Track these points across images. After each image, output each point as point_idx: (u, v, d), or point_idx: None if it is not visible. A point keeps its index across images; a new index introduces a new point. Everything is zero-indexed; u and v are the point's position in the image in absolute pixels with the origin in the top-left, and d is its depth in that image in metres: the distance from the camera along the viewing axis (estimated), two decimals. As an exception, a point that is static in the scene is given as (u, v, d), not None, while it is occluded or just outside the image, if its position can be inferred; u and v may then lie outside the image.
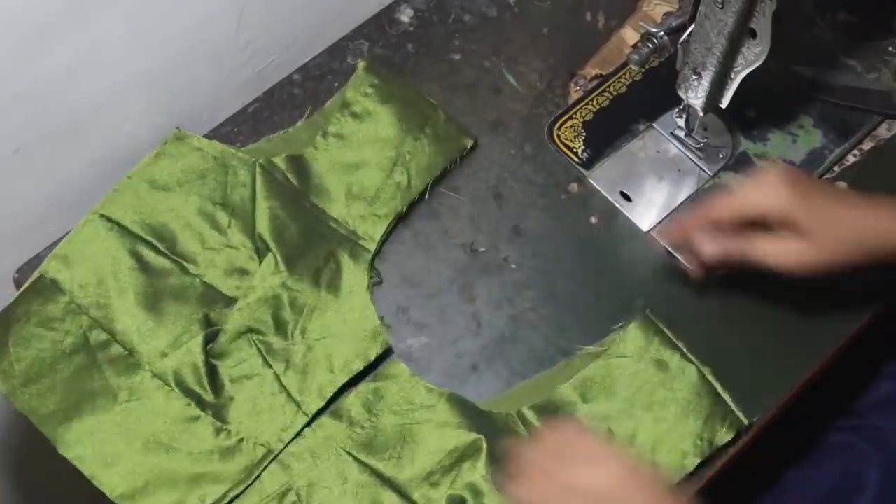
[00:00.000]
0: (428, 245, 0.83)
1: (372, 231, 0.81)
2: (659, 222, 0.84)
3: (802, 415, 0.80)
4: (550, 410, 0.74)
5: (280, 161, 0.82)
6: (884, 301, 0.82)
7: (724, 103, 0.81)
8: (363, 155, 0.83)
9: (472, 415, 0.74)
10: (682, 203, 0.85)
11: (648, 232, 0.84)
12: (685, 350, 0.77)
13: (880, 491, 0.85)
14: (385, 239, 0.81)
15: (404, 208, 0.82)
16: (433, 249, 0.83)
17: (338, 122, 0.84)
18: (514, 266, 0.82)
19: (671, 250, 0.83)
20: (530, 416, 0.74)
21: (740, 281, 0.81)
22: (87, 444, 0.73)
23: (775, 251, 0.72)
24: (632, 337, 0.77)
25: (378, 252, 0.81)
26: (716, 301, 0.81)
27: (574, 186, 0.86)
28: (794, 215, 0.70)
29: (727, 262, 0.74)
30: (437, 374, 0.78)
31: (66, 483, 0.77)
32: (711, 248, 0.74)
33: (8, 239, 0.81)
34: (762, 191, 0.71)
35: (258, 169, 0.80)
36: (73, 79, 0.74)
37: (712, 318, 0.81)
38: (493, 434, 0.73)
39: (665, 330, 0.78)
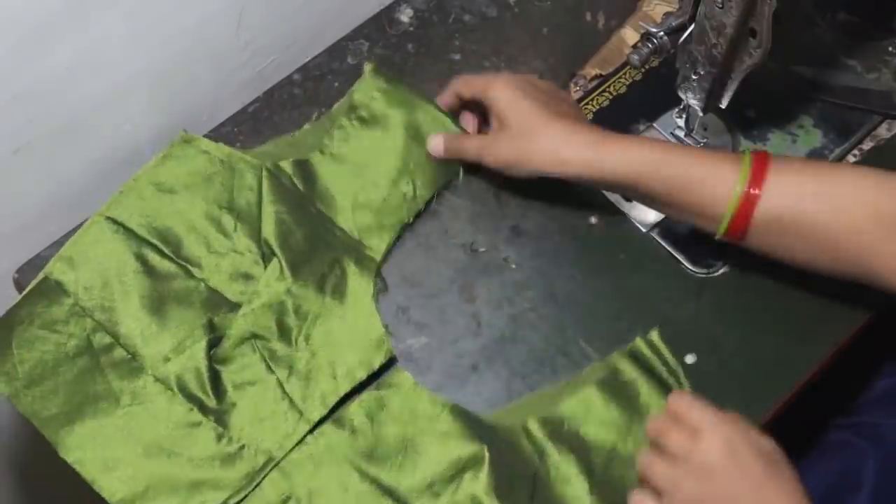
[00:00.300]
0: (428, 245, 0.83)
1: (378, 241, 0.81)
2: (659, 222, 0.84)
3: (800, 413, 0.80)
4: (555, 423, 0.74)
5: (287, 165, 0.81)
6: (883, 300, 0.81)
7: (724, 103, 0.81)
8: (369, 162, 0.83)
9: (476, 426, 0.74)
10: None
11: (648, 232, 0.84)
12: (683, 376, 0.77)
13: (878, 488, 0.85)
14: (390, 248, 0.81)
15: (411, 219, 0.82)
16: (433, 249, 0.83)
17: (344, 127, 0.84)
18: (514, 266, 0.82)
19: (671, 250, 0.83)
20: (535, 428, 0.74)
21: (740, 280, 0.81)
22: (88, 448, 0.72)
23: (484, 143, 0.80)
24: (634, 357, 0.77)
25: (384, 261, 0.81)
26: (715, 301, 0.81)
27: (574, 186, 0.86)
28: (506, 115, 0.77)
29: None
30: (437, 374, 0.78)
31: (69, 486, 0.77)
32: (437, 141, 0.82)
33: (8, 239, 0.81)
34: (492, 83, 0.79)
35: (265, 173, 0.80)
36: (73, 79, 0.74)
37: (712, 317, 0.81)
38: (496, 445, 0.72)
39: (666, 354, 0.78)
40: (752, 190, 0.70)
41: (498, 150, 0.79)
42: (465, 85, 0.82)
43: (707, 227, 0.74)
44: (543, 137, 0.76)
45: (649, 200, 0.76)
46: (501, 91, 0.78)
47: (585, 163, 0.75)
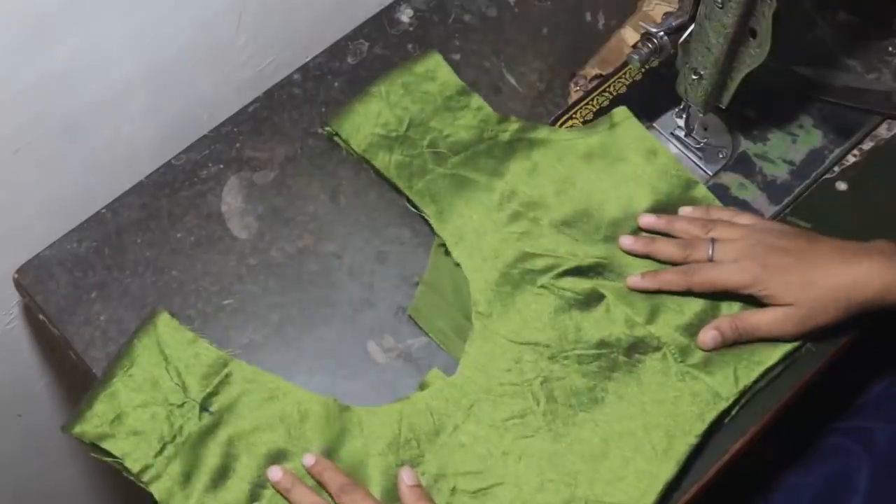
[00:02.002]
0: (428, 245, 0.83)
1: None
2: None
3: (794, 417, 0.80)
4: None
5: None
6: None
7: (724, 103, 0.81)
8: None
9: None
10: (682, 203, 0.85)
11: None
12: None
13: (871, 492, 0.85)
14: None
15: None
16: (429, 245, 0.83)
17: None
18: (514, 266, 0.82)
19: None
20: None
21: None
22: None
23: (764, 319, 0.76)
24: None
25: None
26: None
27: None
28: (770, 290, 0.75)
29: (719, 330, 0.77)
30: (437, 374, 0.78)
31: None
32: (714, 333, 0.76)
33: (8, 239, 0.81)
34: (736, 269, 0.75)
35: None
36: (73, 79, 0.74)
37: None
38: None
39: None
40: None
41: (794, 323, 0.75)
42: (710, 280, 0.77)
43: None
44: (841, 298, 0.74)
45: None
46: (753, 277, 0.75)
47: (876, 300, 0.74)
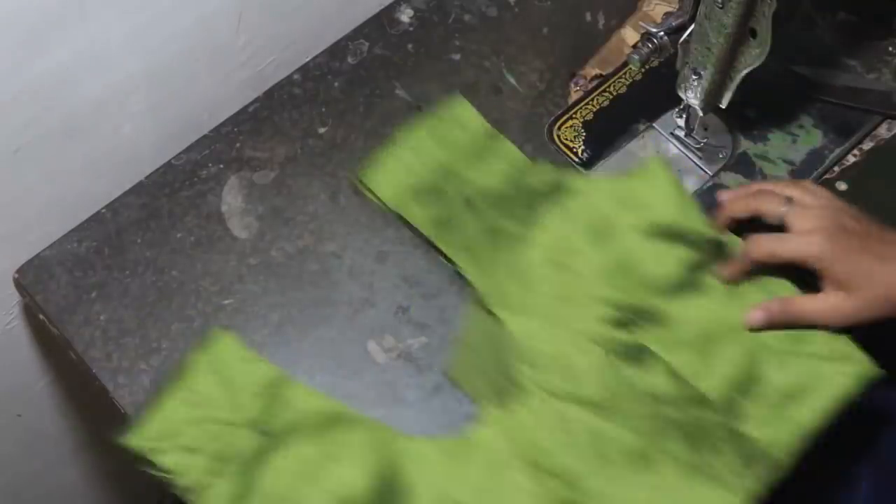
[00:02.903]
0: (428, 245, 0.83)
1: None
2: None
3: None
4: None
5: None
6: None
7: (724, 103, 0.81)
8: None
9: None
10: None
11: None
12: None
13: (872, 501, 0.85)
14: None
15: None
16: (433, 249, 0.83)
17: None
18: (514, 266, 0.82)
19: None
20: None
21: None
22: None
23: (814, 307, 0.73)
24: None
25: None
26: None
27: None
28: (831, 270, 0.72)
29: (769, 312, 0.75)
30: (438, 374, 0.78)
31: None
32: (760, 314, 0.75)
33: (8, 239, 0.81)
34: (804, 241, 0.73)
35: None
36: (73, 79, 0.74)
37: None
38: None
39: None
40: None
41: (844, 314, 0.73)
42: (769, 250, 0.75)
43: None
44: (882, 306, 0.72)
45: None
46: (821, 251, 0.73)
47: None
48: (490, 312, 0.78)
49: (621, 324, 0.76)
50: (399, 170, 0.82)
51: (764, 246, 0.74)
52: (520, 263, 0.79)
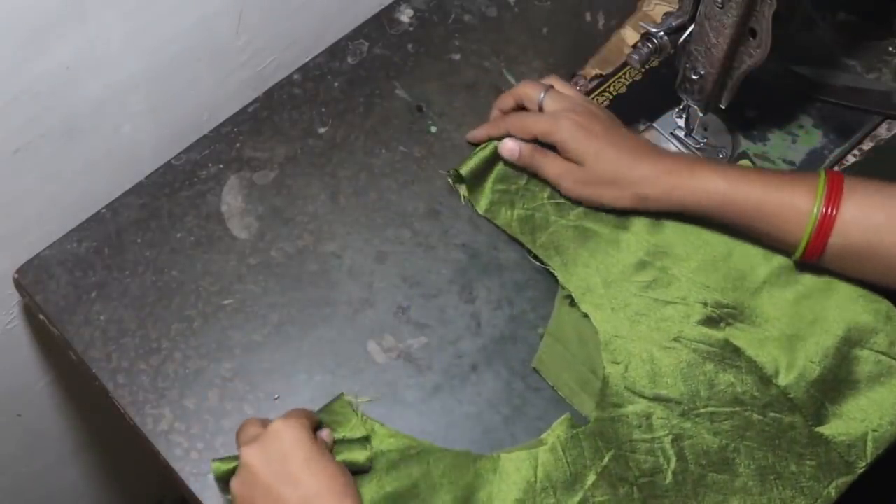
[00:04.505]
0: (428, 245, 0.83)
1: None
2: (659, 222, 0.84)
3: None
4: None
5: None
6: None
7: (724, 103, 0.81)
8: None
9: None
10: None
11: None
12: None
13: None
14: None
15: None
16: (433, 249, 0.83)
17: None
18: (513, 266, 0.82)
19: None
20: None
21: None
22: None
23: (557, 169, 0.80)
24: None
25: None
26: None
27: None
28: (565, 142, 0.79)
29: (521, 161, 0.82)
30: (437, 374, 0.78)
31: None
32: (512, 144, 0.82)
33: (8, 239, 0.81)
34: (555, 127, 0.79)
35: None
36: (72, 79, 0.74)
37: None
38: None
39: None
40: (828, 210, 0.71)
41: (576, 187, 0.80)
42: (523, 125, 0.81)
43: (785, 250, 0.77)
44: (623, 180, 0.78)
45: (730, 227, 0.78)
46: (568, 132, 0.78)
47: (662, 200, 0.77)
48: (575, 307, 0.79)
49: (712, 321, 0.77)
50: (487, 171, 0.84)
51: (519, 119, 0.82)
52: (608, 261, 0.80)
